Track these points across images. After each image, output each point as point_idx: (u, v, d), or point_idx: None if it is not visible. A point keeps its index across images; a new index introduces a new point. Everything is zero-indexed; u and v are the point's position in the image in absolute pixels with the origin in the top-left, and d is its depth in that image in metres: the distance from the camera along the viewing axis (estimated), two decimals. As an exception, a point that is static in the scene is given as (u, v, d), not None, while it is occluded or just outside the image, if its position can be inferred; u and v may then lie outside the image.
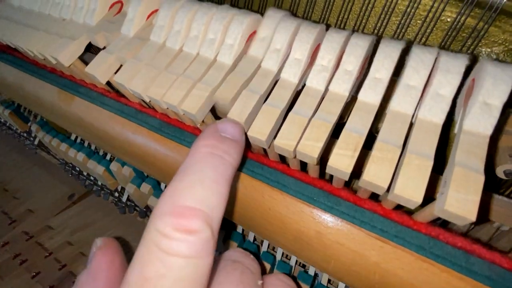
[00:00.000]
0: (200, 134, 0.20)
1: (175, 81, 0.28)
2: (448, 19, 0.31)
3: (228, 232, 0.42)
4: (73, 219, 0.67)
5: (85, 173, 0.56)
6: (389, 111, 0.22)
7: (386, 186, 0.19)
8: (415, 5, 0.31)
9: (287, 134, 0.23)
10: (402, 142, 0.21)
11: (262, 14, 0.31)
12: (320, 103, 0.24)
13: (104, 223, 0.65)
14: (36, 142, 0.65)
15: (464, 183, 0.18)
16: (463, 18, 0.30)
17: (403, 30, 0.33)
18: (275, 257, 0.37)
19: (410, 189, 0.19)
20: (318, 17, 0.38)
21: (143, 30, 0.34)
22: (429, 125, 0.21)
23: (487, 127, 0.20)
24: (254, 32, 0.31)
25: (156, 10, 0.35)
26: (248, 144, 0.24)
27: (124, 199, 0.52)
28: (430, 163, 0.19)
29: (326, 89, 0.25)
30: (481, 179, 0.18)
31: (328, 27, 0.26)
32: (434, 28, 0.32)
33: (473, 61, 0.23)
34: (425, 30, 0.32)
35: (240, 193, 0.28)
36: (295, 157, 0.23)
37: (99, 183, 0.54)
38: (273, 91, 0.25)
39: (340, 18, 0.36)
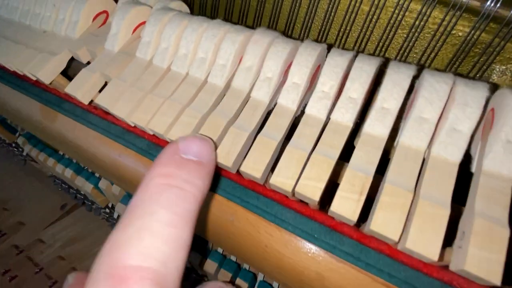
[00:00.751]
0: (156, 158, 0.17)
1: (162, 105, 0.26)
2: (460, 34, 0.29)
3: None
4: (65, 232, 0.65)
5: (75, 188, 0.54)
6: (399, 147, 0.20)
7: (396, 239, 0.17)
8: (424, 17, 0.29)
9: (284, 171, 0.20)
10: (414, 185, 0.18)
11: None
12: (321, 134, 0.22)
13: (96, 236, 0.62)
14: (24, 153, 0.63)
15: (487, 238, 0.16)
16: (477, 33, 0.27)
17: (410, 44, 0.31)
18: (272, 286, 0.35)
19: (424, 243, 0.17)
20: (318, 28, 0.35)
21: (129, 44, 0.32)
22: (444, 165, 0.19)
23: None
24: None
25: (144, 23, 0.33)
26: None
27: (115, 215, 0.50)
28: (446, 212, 0.17)
29: (328, 118, 0.22)
30: (505, 233, 0.16)
31: (329, 47, 0.24)
32: (445, 43, 0.29)
33: (493, 89, 0.20)
34: (435, 44, 0.30)
35: (233, 227, 0.26)
36: (293, 195, 0.21)
37: (90, 198, 0.52)
38: (269, 119, 0.23)
39: (342, 29, 0.33)
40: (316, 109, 0.22)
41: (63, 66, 0.33)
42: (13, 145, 0.64)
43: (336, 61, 0.22)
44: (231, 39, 0.25)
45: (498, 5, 0.25)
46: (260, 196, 0.26)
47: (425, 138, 0.19)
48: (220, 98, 0.25)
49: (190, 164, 0.16)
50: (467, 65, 0.30)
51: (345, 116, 0.21)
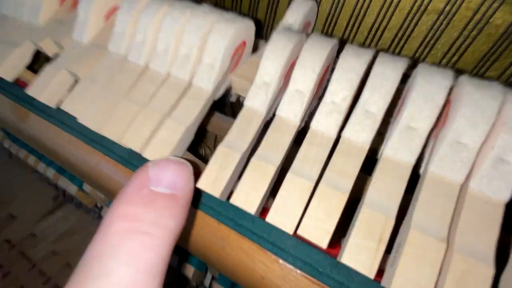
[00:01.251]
0: (120, 191, 0.14)
1: (138, 114, 0.21)
2: (499, 22, 0.24)
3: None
4: (57, 225, 0.63)
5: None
6: (427, 179, 0.16)
7: (424, 303, 0.14)
8: (457, 2, 0.23)
9: (284, 208, 0.17)
10: (446, 232, 0.15)
11: (252, 17, 0.23)
12: (330, 157, 0.18)
13: (88, 230, 0.60)
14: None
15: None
16: (521, 22, 0.22)
17: (437, 33, 0.26)
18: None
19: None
20: (326, 12, 0.29)
21: (101, 34, 0.27)
22: (486, 205, 0.15)
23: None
24: (244, 44, 0.23)
25: (116, 7, 0.27)
26: None
27: (103, 213, 0.47)
28: (489, 272, 0.13)
29: (339, 137, 0.18)
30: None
31: (341, 42, 0.19)
32: (480, 32, 0.24)
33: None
34: (468, 34, 0.24)
35: (225, 253, 0.23)
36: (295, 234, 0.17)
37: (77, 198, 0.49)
38: (266, 136, 0.19)
39: (354, 14, 0.28)
40: (324, 125, 0.18)
41: (26, 59, 0.29)
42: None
43: (351, 65, 0.17)
44: (220, 31, 0.20)
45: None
46: (255, 218, 0.23)
47: (463, 170, 0.15)
48: (207, 106, 0.21)
49: (161, 199, 0.14)
50: (506, 61, 0.25)
51: (361, 135, 0.17)
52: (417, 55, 0.28)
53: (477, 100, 0.15)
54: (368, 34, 0.29)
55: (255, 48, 0.26)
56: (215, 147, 0.34)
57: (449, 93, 0.16)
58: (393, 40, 0.28)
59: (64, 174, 0.42)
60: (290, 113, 0.19)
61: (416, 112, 0.16)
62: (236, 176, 0.18)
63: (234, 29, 0.20)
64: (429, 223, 0.15)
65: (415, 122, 0.16)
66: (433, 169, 0.16)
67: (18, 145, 0.46)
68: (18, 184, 0.69)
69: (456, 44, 0.26)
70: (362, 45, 0.30)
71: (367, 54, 0.18)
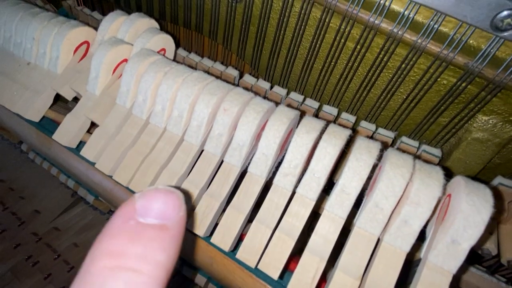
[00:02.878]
0: (106, 224, 0.13)
1: (142, 163, 0.27)
2: (444, 82, 0.28)
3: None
4: (77, 219, 0.71)
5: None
6: (354, 231, 0.21)
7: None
8: (411, 62, 0.28)
9: (249, 248, 0.22)
10: (362, 273, 0.20)
11: (241, 73, 0.28)
12: (287, 207, 0.23)
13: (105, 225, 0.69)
14: (31, 157, 0.66)
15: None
16: (463, 84, 0.26)
17: (394, 87, 0.30)
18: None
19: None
20: (303, 58, 0.34)
21: (110, 85, 0.32)
22: (391, 254, 0.20)
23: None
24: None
25: (125, 60, 0.32)
26: None
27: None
28: (386, 304, 0.19)
29: (293, 192, 0.23)
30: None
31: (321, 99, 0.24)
32: (430, 89, 0.28)
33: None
34: (421, 88, 0.29)
35: (213, 268, 0.29)
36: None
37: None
38: (240, 189, 0.24)
39: (326, 64, 0.32)
40: (282, 183, 0.23)
41: (49, 103, 0.34)
42: (18, 145, 0.66)
43: (303, 140, 0.22)
44: (205, 102, 0.25)
45: (484, 64, 0.24)
46: (239, 242, 0.29)
47: (379, 227, 0.21)
48: (196, 158, 0.27)
49: (150, 231, 0.12)
50: (451, 113, 0.29)
51: (309, 193, 0.23)
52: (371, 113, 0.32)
53: (390, 178, 0.20)
54: (338, 81, 0.33)
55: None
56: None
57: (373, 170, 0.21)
58: (358, 89, 0.32)
59: (82, 185, 0.49)
60: (258, 171, 0.24)
61: (383, 195, 0.21)
62: (216, 218, 0.24)
63: (216, 99, 0.25)
64: (351, 266, 0.20)
65: (382, 204, 0.21)
66: (358, 224, 0.21)
67: (41, 157, 0.52)
68: (41, 181, 0.77)
69: (411, 95, 0.30)
70: (327, 103, 0.35)
71: (315, 132, 0.23)
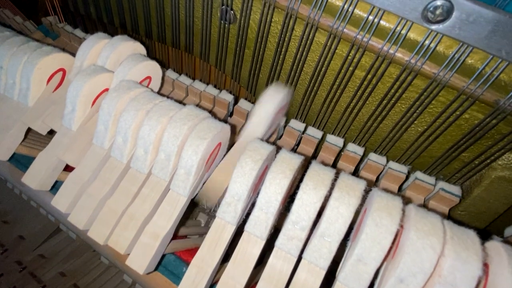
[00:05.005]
0: None
1: (122, 217, 0.23)
2: (466, 116, 0.25)
3: None
4: (63, 245, 0.67)
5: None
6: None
7: None
8: (430, 95, 0.24)
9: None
10: None
11: (236, 97, 0.24)
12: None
13: (93, 252, 0.64)
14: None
15: None
16: (493, 121, 0.23)
17: (409, 120, 0.27)
18: None
19: None
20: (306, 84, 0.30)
21: (88, 119, 0.28)
22: None
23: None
24: (219, 144, 0.25)
25: (106, 90, 0.28)
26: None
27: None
28: None
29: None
30: None
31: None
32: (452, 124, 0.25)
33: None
34: (440, 123, 0.25)
35: None
36: None
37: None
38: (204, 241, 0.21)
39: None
40: (286, 248, 0.20)
41: (20, 138, 0.30)
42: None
43: (310, 197, 0.19)
44: (194, 146, 0.22)
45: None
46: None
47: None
48: (183, 211, 0.23)
49: None
50: (472, 154, 0.26)
51: (319, 261, 0.19)
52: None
53: (418, 250, 0.17)
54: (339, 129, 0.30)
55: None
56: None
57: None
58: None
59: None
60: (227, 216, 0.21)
61: (367, 252, 0.18)
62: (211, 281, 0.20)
63: (207, 142, 0.22)
64: None
65: (365, 260, 0.18)
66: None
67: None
68: (22, 206, 0.72)
69: (431, 128, 0.26)
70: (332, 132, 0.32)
71: (324, 188, 0.19)
